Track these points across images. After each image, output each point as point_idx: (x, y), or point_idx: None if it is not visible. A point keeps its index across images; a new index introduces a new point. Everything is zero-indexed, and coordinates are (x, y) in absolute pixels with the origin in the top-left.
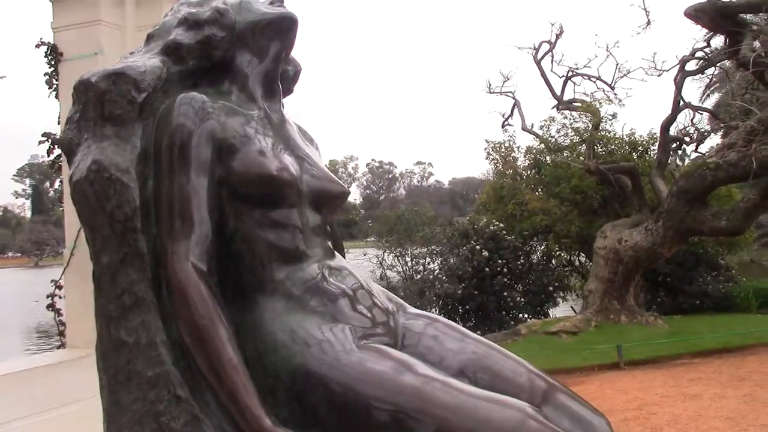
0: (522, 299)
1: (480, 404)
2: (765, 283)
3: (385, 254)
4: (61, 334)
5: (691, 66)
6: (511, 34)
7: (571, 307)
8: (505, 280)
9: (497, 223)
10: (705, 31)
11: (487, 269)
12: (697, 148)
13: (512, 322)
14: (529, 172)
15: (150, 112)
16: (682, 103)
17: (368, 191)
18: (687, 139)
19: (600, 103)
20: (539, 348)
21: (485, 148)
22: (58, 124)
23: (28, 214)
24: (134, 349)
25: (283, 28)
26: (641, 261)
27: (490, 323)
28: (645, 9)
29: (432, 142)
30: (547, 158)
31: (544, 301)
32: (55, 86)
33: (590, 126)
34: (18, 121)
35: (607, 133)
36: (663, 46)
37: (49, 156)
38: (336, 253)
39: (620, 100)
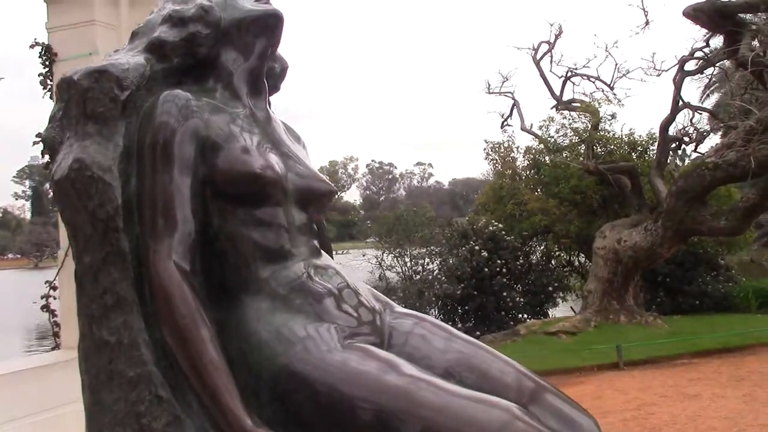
0: (521, 299)
1: (466, 404)
2: (765, 283)
3: (384, 255)
4: (56, 335)
5: (690, 66)
6: (510, 34)
7: (571, 308)
8: (505, 280)
9: (496, 223)
10: (704, 31)
11: (486, 270)
12: (696, 148)
13: (511, 323)
14: (528, 173)
15: (133, 110)
16: (681, 103)
17: (368, 192)
18: (686, 139)
19: (599, 103)
20: (538, 348)
21: (484, 149)
22: None
23: (28, 215)
24: (116, 349)
25: (269, 25)
26: (640, 261)
27: (489, 324)
28: (644, 9)
29: (432, 142)
30: (547, 158)
31: (543, 301)
32: (49, 87)
33: (589, 126)
34: (18, 122)
35: (606, 133)
36: (662, 46)
37: (43, 157)
38: (323, 252)
39: (619, 100)
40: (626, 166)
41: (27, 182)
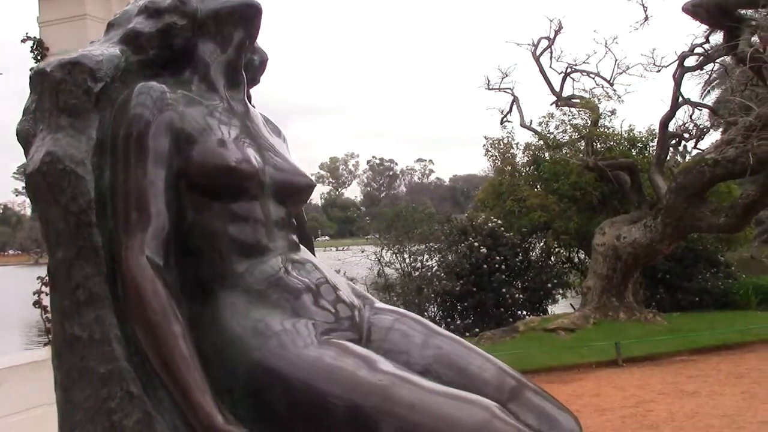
0: (520, 296)
1: (442, 402)
2: (765, 280)
3: (384, 251)
4: (48, 331)
5: (690, 62)
6: (510, 30)
7: (570, 304)
8: (504, 277)
9: (496, 219)
10: (704, 26)
11: (485, 266)
12: (696, 144)
13: (510, 319)
14: (527, 169)
15: (107, 103)
16: (681, 99)
17: (369, 188)
18: (686, 135)
19: (599, 100)
20: (537, 345)
21: (484, 145)
22: None
23: (28, 211)
24: (87, 345)
25: (247, 16)
26: (640, 258)
27: (488, 320)
28: (643, 5)
29: (433, 139)
30: (546, 155)
31: (542, 298)
32: None
33: (589, 122)
34: (17, 118)
35: (606, 130)
36: (662, 42)
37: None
38: (302, 246)
39: (619, 97)
40: (626, 163)
41: None
